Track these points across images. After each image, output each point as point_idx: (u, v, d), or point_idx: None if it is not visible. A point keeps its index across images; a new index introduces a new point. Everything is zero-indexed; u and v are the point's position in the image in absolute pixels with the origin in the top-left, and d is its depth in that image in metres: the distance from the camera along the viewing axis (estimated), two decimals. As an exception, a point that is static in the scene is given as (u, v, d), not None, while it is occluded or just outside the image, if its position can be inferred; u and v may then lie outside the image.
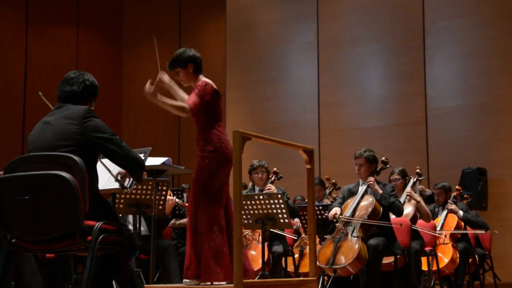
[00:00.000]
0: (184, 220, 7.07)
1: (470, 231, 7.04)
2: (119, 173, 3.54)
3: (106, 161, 3.58)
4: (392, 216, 5.89)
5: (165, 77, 4.07)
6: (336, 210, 5.57)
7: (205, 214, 3.96)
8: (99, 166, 3.43)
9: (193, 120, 4.09)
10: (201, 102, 3.94)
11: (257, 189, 6.31)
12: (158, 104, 3.94)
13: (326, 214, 5.78)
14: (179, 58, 4.09)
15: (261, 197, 5.41)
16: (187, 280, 3.95)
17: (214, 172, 4.01)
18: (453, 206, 6.95)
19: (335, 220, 5.55)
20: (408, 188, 6.44)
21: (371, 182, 5.59)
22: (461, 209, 7.04)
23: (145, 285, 3.69)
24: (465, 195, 7.65)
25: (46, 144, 3.17)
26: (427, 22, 9.61)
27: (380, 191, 5.55)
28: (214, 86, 4.08)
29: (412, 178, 6.61)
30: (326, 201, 7.35)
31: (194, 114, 3.95)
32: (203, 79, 4.10)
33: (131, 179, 3.78)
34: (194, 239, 3.97)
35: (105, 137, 3.21)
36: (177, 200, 6.47)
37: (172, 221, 6.70)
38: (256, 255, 6.01)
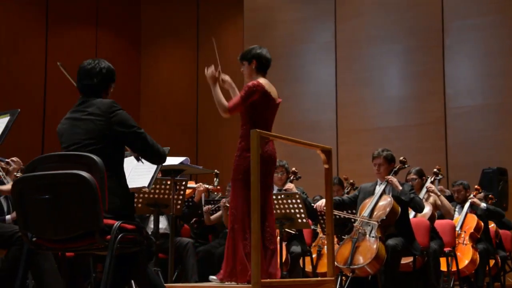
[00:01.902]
0: (212, 216, 7.12)
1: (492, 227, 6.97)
2: None
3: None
4: (411, 216, 5.86)
5: (227, 77, 4.27)
6: (321, 201, 5.53)
7: (240, 213, 3.94)
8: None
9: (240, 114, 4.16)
10: (243, 104, 4.01)
11: (275, 188, 6.31)
12: (213, 91, 4.07)
13: (313, 204, 5.78)
14: (247, 52, 4.26)
15: (279, 196, 5.41)
16: (213, 277, 3.94)
17: (247, 170, 3.93)
18: (475, 199, 6.89)
19: (352, 219, 5.53)
20: (428, 183, 6.41)
21: (392, 180, 5.55)
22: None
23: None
24: (489, 195, 7.57)
25: (76, 142, 3.23)
26: (446, 21, 9.54)
27: (400, 188, 5.52)
28: (268, 89, 4.09)
29: (429, 178, 6.58)
30: None
31: (231, 113, 4.02)
32: (259, 80, 4.12)
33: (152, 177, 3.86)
34: (231, 238, 3.97)
35: (130, 131, 3.28)
36: (206, 185, 6.49)
37: (223, 200, 6.70)
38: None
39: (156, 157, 3.41)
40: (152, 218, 6.12)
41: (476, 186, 7.30)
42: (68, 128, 3.31)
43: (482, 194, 7.21)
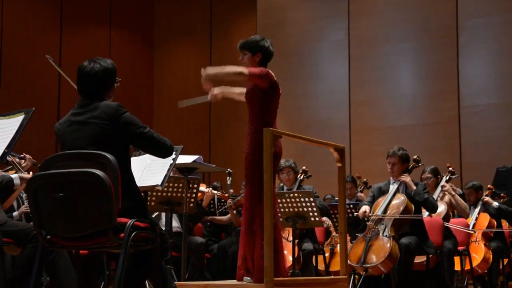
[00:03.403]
0: (225, 217, 7.15)
1: (505, 229, 6.93)
2: None
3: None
4: (424, 215, 5.83)
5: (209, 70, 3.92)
6: (365, 208, 5.52)
7: (259, 212, 3.89)
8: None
9: (248, 108, 4.00)
10: (260, 76, 3.85)
11: (285, 188, 6.31)
12: (217, 74, 3.85)
13: (356, 213, 5.75)
14: (252, 42, 4.05)
15: (291, 195, 5.41)
16: (247, 278, 3.91)
17: (257, 166, 3.82)
18: (488, 198, 6.86)
19: (366, 219, 5.52)
20: (443, 182, 6.38)
21: (406, 179, 5.52)
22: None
23: (175, 282, 3.71)
24: (501, 194, 7.53)
25: (80, 147, 3.19)
26: (460, 20, 9.49)
27: (414, 187, 5.49)
28: (276, 79, 3.98)
29: (445, 177, 6.55)
30: (361, 195, 7.34)
31: (250, 77, 3.82)
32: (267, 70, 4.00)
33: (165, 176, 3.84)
34: (248, 238, 3.92)
35: (138, 131, 3.24)
36: (215, 192, 6.52)
37: (229, 200, 6.71)
38: (285, 254, 6.01)
39: (164, 151, 3.39)
40: (163, 216, 6.16)
41: (489, 186, 7.25)
42: (72, 132, 3.26)
43: (489, 192, 7.18)
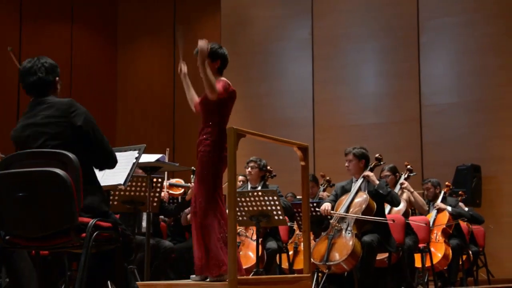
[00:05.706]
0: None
1: (463, 224, 7.07)
2: None
3: None
4: (386, 212, 5.90)
5: (185, 68, 4.33)
6: (326, 205, 5.56)
7: (211, 208, 3.98)
8: None
9: (200, 111, 4.21)
10: (224, 94, 4.10)
11: (249, 186, 6.31)
12: (202, 69, 4.00)
13: (317, 210, 5.80)
14: (211, 49, 4.18)
15: (255, 194, 5.42)
16: (194, 276, 3.96)
17: (214, 164, 4.08)
18: (441, 205, 7.00)
19: (328, 216, 5.57)
20: (402, 179, 6.48)
21: (368, 175, 5.59)
22: (450, 205, 7.08)
23: (137, 282, 3.68)
24: (460, 192, 7.68)
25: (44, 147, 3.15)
26: (422, 19, 9.63)
27: (377, 182, 5.56)
28: (233, 88, 4.23)
29: (403, 174, 6.65)
30: (322, 195, 7.38)
31: (217, 96, 4.04)
32: (224, 79, 4.23)
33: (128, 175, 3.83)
34: (202, 234, 3.98)
35: (88, 126, 3.18)
36: None
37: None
38: (250, 253, 6.02)
39: (106, 158, 3.28)
40: (145, 216, 6.08)
41: (446, 183, 7.38)
42: (31, 135, 3.18)
43: (446, 189, 7.32)
